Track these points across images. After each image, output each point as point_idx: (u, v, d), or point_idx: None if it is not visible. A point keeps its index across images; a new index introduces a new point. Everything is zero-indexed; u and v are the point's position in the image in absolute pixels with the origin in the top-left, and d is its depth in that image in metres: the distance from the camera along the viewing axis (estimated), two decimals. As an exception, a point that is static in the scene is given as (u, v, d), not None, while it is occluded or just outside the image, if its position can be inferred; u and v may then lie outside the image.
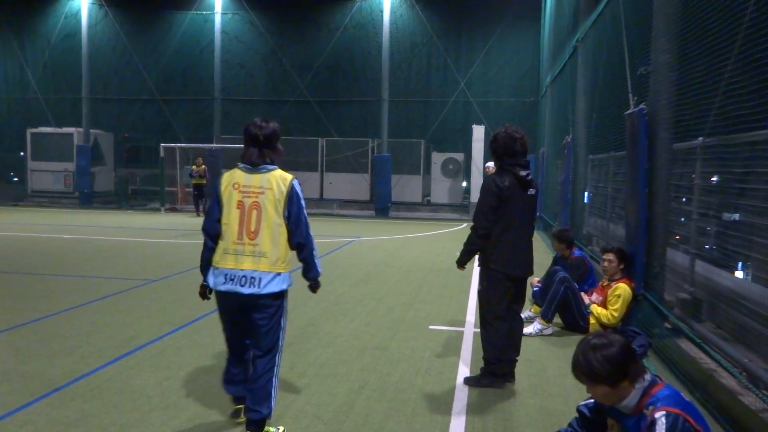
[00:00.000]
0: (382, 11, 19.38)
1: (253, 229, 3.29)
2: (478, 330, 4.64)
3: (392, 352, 5.14)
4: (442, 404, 4.06)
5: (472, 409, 4.00)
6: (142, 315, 6.24)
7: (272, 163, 3.41)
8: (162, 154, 18.55)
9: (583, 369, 2.45)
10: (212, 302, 6.26)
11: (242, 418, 3.57)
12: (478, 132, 17.39)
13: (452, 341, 5.47)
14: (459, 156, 18.75)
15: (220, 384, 3.81)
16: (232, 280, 3.29)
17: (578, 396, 4.12)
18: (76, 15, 21.12)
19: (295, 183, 3.44)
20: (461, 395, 4.21)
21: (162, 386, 4.27)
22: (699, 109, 4.71)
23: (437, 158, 18.94)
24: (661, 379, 2.52)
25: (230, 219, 3.32)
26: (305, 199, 3.54)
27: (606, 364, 2.39)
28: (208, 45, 20.54)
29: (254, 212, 3.30)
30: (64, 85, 21.42)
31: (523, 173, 4.19)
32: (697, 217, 4.88)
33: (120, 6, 21.02)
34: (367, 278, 8.44)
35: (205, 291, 3.53)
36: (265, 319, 3.36)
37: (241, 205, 3.30)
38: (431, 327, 5.93)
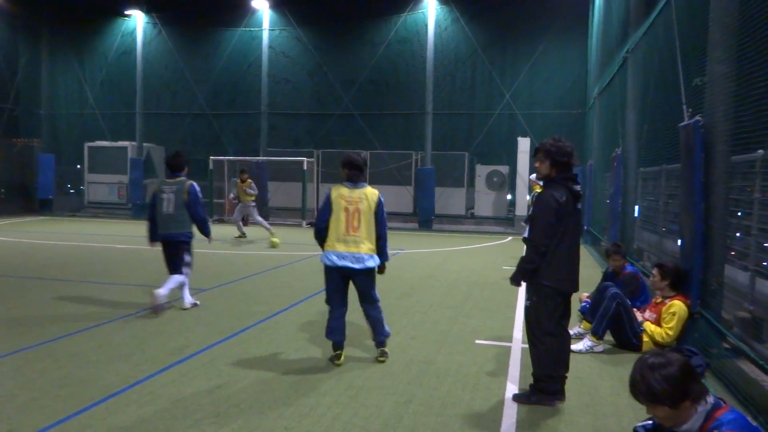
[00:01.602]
0: (426, 25, 19.48)
1: (355, 225, 4.88)
2: (526, 346, 4.57)
3: (439, 365, 5.11)
4: (490, 421, 4.01)
5: (522, 427, 3.93)
6: (192, 324, 6.39)
7: (364, 181, 5.05)
8: (211, 166, 19.04)
9: (641, 389, 2.38)
10: (258, 314, 6.38)
11: (341, 361, 5.07)
12: (524, 144, 17.21)
13: (499, 357, 5.39)
14: (504, 168, 18.58)
15: (271, 382, 3.85)
16: (344, 258, 4.89)
17: (632, 416, 4.00)
18: (132, 33, 22.00)
19: (381, 196, 5.10)
20: (510, 412, 4.14)
21: (213, 395, 4.35)
22: (759, 121, 4.55)
23: (481, 171, 18.81)
24: (725, 402, 2.43)
25: (339, 218, 4.89)
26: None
27: (666, 383, 2.32)
28: (256, 60, 21.05)
29: (356, 215, 4.90)
30: (120, 101, 22.28)
31: (577, 187, 4.14)
32: (757, 232, 4.69)
33: (173, 24, 21.79)
34: (412, 291, 8.43)
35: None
36: (367, 284, 5.08)
37: (346, 209, 4.88)
38: (478, 341, 5.87)
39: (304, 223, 18.24)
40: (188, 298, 7.08)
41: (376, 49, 20.10)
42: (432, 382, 4.71)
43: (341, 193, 4.93)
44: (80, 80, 22.76)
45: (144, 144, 21.44)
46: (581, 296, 6.04)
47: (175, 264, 6.97)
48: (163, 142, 21.88)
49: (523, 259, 4.23)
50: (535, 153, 4.29)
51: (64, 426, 3.78)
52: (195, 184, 6.94)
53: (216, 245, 13.46)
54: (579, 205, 4.22)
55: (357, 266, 4.88)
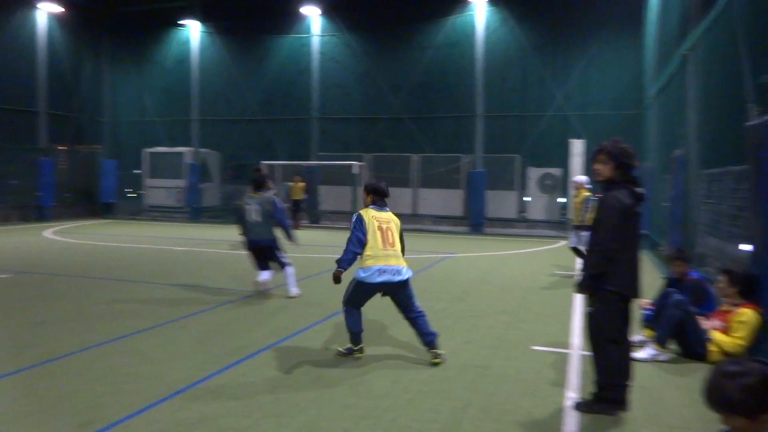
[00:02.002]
0: (474, 27, 19.36)
1: (391, 241, 5.29)
2: (586, 353, 4.47)
3: (495, 371, 5.06)
4: (550, 429, 3.94)
5: (584, 435, 3.84)
6: (250, 324, 6.53)
7: (387, 206, 5.51)
8: (264, 171, 19.43)
9: (717, 398, 2.28)
10: (313, 315, 6.42)
11: (362, 354, 5.41)
12: (577, 146, 16.85)
13: (557, 363, 5.29)
14: (556, 171, 18.24)
15: (329, 383, 3.90)
16: (385, 272, 5.15)
17: (700, 429, 3.86)
18: (188, 43, 22.74)
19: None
20: (571, 420, 4.06)
21: (273, 394, 4.44)
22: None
23: (533, 173, 18.52)
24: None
25: (376, 237, 5.23)
26: (401, 213, 4.81)
27: (744, 393, 2.22)
28: (307, 66, 21.39)
29: (389, 232, 5.33)
30: (177, 108, 23.05)
31: (640, 189, 4.04)
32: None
33: (226, 33, 22.40)
34: (464, 295, 8.37)
35: (339, 276, 5.17)
36: (408, 294, 5.35)
37: (380, 228, 5.29)
38: (534, 347, 5.78)
39: (354, 226, 18.39)
40: (294, 288, 8.09)
41: (424, 52, 20.10)
42: (489, 387, 4.66)
43: (373, 215, 5.33)
44: (139, 89, 23.66)
45: (200, 149, 22.11)
46: (642, 303, 5.86)
47: (277, 262, 8.06)
48: (218, 147, 22.48)
49: (589, 265, 4.11)
50: (595, 155, 4.20)
51: (132, 421, 3.93)
52: (276, 198, 8.05)
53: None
54: (640, 208, 4.11)
55: (396, 279, 5.15)
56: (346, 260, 5.17)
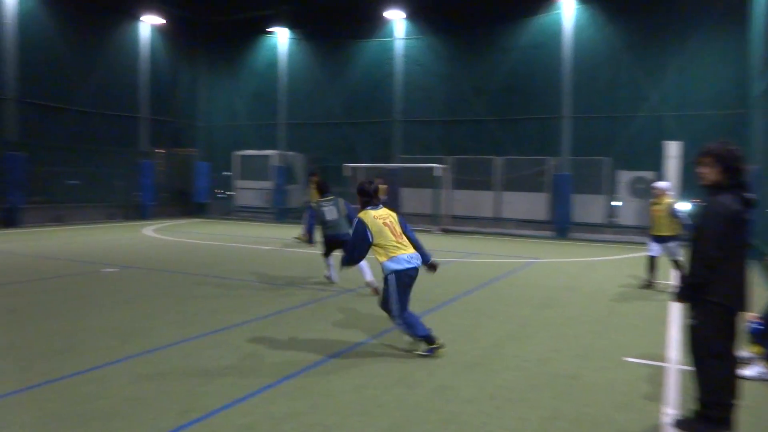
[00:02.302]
0: (561, 26, 18.79)
1: (398, 232, 5.70)
2: (685, 367, 4.22)
3: (585, 381, 4.88)
4: (647, 444, 3.75)
5: (684, 455, 3.63)
6: (338, 323, 6.67)
7: (380, 203, 5.98)
8: (346, 173, 19.80)
9: None
10: None
11: (443, 347, 5.55)
12: (672, 148, 15.93)
13: (653, 377, 5.03)
14: (649, 174, 17.34)
15: (414, 385, 3.91)
16: (411, 260, 5.60)
17: (819, 455, 3.54)
18: (276, 49, 23.58)
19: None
20: (669, 437, 3.85)
21: (359, 393, 4.51)
22: None
23: (623, 177, 17.71)
24: None
25: (384, 233, 5.62)
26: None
27: None
28: (390, 69, 21.58)
29: (393, 226, 5.71)
30: (266, 112, 23.95)
31: (750, 195, 3.76)
32: None
33: (312, 39, 23.03)
34: (550, 302, 8.14)
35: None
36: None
37: (385, 224, 5.67)
38: (626, 359, 5.52)
39: (436, 229, 18.35)
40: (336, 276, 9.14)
41: (509, 53, 19.73)
42: (579, 398, 4.51)
43: (373, 215, 5.72)
44: (231, 94, 24.78)
45: (286, 152, 22.84)
46: (749, 316, 5.45)
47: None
48: (303, 150, 23.13)
49: (690, 273, 3.89)
50: (700, 157, 3.95)
51: (227, 412, 4.12)
52: (345, 201, 9.13)
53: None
54: (750, 215, 3.83)
55: (419, 263, 5.68)
56: (347, 261, 5.77)
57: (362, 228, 5.62)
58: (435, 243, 15.52)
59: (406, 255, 5.57)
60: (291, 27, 23.21)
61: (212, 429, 3.84)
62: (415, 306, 7.54)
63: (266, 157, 22.75)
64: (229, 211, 23.67)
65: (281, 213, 22.04)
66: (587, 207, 18.20)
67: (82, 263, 10.80)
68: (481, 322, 6.88)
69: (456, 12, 20.35)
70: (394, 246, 5.57)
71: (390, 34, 21.66)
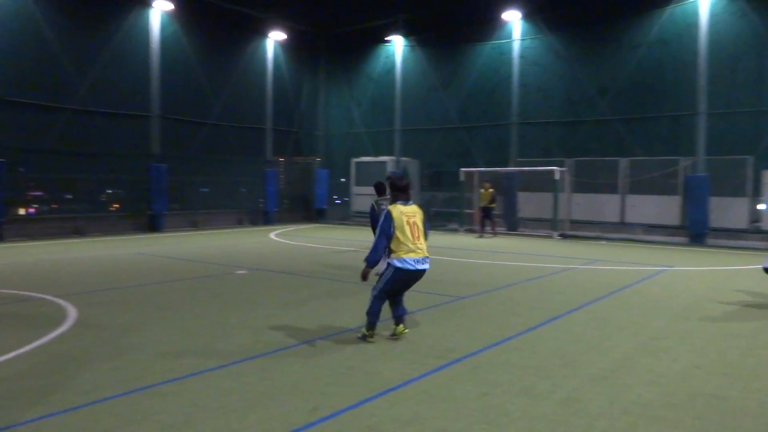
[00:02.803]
0: (697, 16, 17.40)
1: (417, 235, 5.88)
2: None
3: (734, 403, 4.45)
4: (812, 477, 3.34)
5: None
6: (455, 329, 6.63)
7: (410, 199, 6.07)
8: (462, 178, 19.68)
9: None
10: (518, 325, 6.26)
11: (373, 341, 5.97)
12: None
13: (815, 401, 4.48)
14: (800, 174, 15.54)
15: (539, 396, 3.77)
16: (421, 262, 5.87)
17: None
18: (392, 57, 24.03)
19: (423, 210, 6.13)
20: (840, 471, 3.40)
21: (482, 401, 4.44)
22: None
23: (769, 178, 16.02)
24: None
25: (405, 231, 5.79)
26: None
27: None
28: (507, 71, 21.17)
29: (416, 226, 5.89)
30: (382, 119, 24.49)
31: None
32: None
33: (427, 45, 23.19)
34: (687, 313, 7.53)
35: (368, 274, 5.96)
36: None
37: (408, 223, 5.83)
38: (782, 379, 4.97)
39: (555, 234, 17.69)
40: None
41: (635, 50, 18.61)
42: (726, 421, 4.11)
43: (402, 210, 5.85)
44: (349, 103, 25.59)
45: (401, 158, 23.16)
46: None
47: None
48: (418, 155, 23.33)
49: None
50: None
51: (353, 411, 4.22)
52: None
53: (472, 254, 13.83)
54: None
55: (426, 268, 5.96)
56: (374, 260, 5.87)
57: (387, 221, 5.77)
58: (554, 249, 14.95)
59: (415, 258, 5.80)
60: (406, 35, 23.55)
61: (339, 428, 3.96)
62: (534, 314, 7.33)
63: (382, 163, 23.19)
64: (346, 216, 24.41)
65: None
66: (727, 211, 16.67)
67: (216, 265, 11.64)
68: (608, 333, 6.52)
69: (576, 9, 19.59)
70: (408, 247, 5.78)
71: (507, 36, 21.27)
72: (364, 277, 5.94)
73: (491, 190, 18.05)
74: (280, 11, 22.94)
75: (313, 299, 8.30)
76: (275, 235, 18.44)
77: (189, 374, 4.97)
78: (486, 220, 18.09)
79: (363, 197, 23.78)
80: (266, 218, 22.99)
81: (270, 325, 6.70)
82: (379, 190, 9.99)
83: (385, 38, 24.01)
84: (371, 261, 5.88)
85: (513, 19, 20.95)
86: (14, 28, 16.56)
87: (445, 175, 22.82)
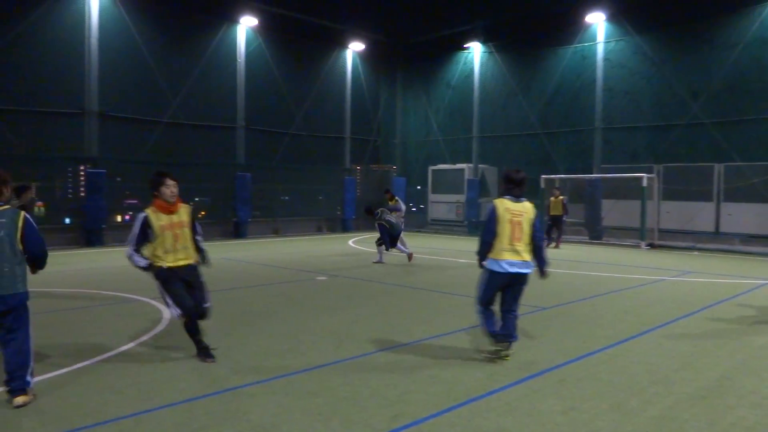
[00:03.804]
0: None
1: (518, 236, 5.45)
2: None
3: None
4: None
5: None
6: (538, 341, 6.46)
7: (524, 197, 5.59)
8: (542, 185, 19.20)
9: None
10: (605, 338, 6.03)
11: (508, 352, 5.64)
12: None
13: None
14: None
15: (630, 413, 3.61)
16: (514, 265, 5.45)
17: None
18: (470, 63, 23.87)
19: (536, 211, 5.67)
20: None
21: (568, 416, 4.30)
22: None
23: None
24: None
25: (505, 229, 5.44)
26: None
27: None
28: (590, 75, 20.51)
29: (519, 226, 5.45)
30: (459, 126, 24.35)
31: None
32: None
33: (506, 51, 22.85)
34: (795, 331, 6.96)
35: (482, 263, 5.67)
36: (521, 289, 5.65)
37: (511, 222, 5.44)
38: None
39: (643, 244, 16.88)
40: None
41: (732, 48, 17.50)
42: (844, 449, 3.76)
43: (507, 207, 5.48)
44: (426, 110, 25.64)
45: (479, 165, 22.92)
46: None
47: (400, 243, 12.98)
48: (496, 162, 23.00)
49: None
50: None
51: (435, 420, 4.20)
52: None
53: (551, 263, 13.43)
54: None
55: (524, 271, 5.50)
56: (482, 252, 5.57)
57: (491, 217, 5.49)
58: (642, 259, 14.27)
59: (509, 260, 5.45)
60: (485, 41, 23.33)
61: (422, 436, 3.95)
62: (622, 327, 7.02)
63: (459, 170, 23.05)
64: (423, 224, 24.41)
65: (473, 226, 22.11)
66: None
67: (297, 271, 11.96)
68: (704, 350, 6.13)
69: (665, 9, 18.69)
70: (504, 248, 5.44)
71: (590, 39, 20.62)
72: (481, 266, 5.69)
73: (561, 198, 17.38)
74: (359, 23, 23.37)
75: (393, 307, 8.35)
76: (353, 242, 18.70)
77: (274, 377, 5.13)
78: (554, 230, 17.22)
79: (440, 205, 23.73)
80: (344, 225, 23.39)
81: (351, 332, 6.80)
82: (389, 196, 13.72)
83: (463, 45, 23.89)
84: (480, 253, 5.64)
85: (597, 21, 20.28)
86: (116, 48, 17.82)
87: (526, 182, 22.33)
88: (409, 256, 13.00)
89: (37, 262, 4.61)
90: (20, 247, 4.41)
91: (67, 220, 17.20)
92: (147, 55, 18.37)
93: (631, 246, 17.24)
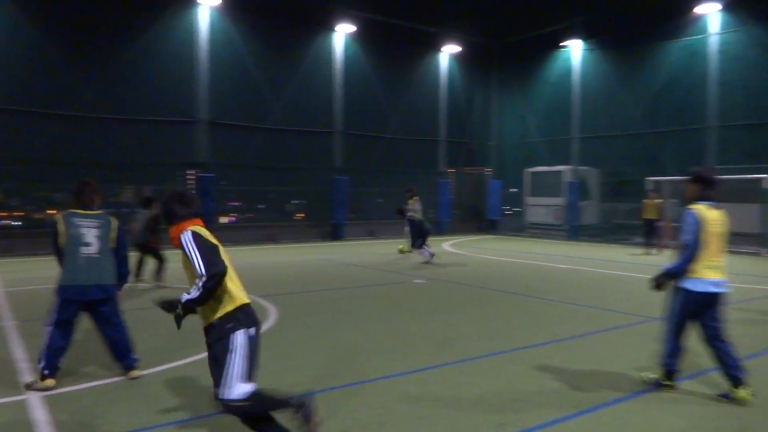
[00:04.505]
0: None
1: (722, 249, 4.67)
2: None
3: None
4: None
5: None
6: (652, 352, 6.09)
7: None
8: (649, 187, 18.15)
9: None
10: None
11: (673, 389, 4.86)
12: None
13: None
14: None
15: None
16: (718, 285, 4.62)
17: None
18: (569, 62, 23.01)
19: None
20: None
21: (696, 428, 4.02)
22: None
23: None
24: None
25: (709, 242, 4.56)
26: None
27: None
28: (701, 69, 19.13)
29: (720, 238, 4.66)
30: (558, 127, 23.53)
31: None
32: None
33: (609, 47, 21.75)
34: None
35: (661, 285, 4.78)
36: (720, 311, 4.72)
37: (714, 233, 4.60)
38: None
39: (765, 251, 15.51)
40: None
41: None
42: None
43: (711, 216, 4.62)
44: (523, 112, 25.02)
45: (579, 167, 22.06)
46: None
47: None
48: (598, 164, 22.04)
49: None
50: None
51: (545, 431, 4.07)
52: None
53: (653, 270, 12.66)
54: None
55: (723, 291, 4.71)
56: (683, 269, 4.61)
57: (696, 228, 4.52)
58: (763, 267, 13.12)
59: (714, 279, 4.60)
60: (585, 38, 22.43)
61: (530, 446, 3.84)
62: (745, 342, 6.46)
63: (558, 172, 22.31)
64: (519, 227, 23.85)
65: (573, 230, 21.32)
66: None
67: (394, 273, 12.06)
68: None
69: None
70: (709, 264, 4.59)
71: (702, 31, 19.26)
72: (658, 286, 4.80)
73: (658, 200, 16.29)
74: (454, 25, 23.24)
75: (493, 312, 8.22)
76: (449, 246, 18.61)
77: (377, 378, 5.19)
78: (651, 236, 16.23)
79: (537, 208, 23.07)
80: (439, 228, 23.33)
81: (451, 336, 6.75)
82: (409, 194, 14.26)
83: (562, 43, 23.10)
84: (673, 271, 4.71)
85: (709, 11, 18.91)
86: (223, 59, 18.84)
87: (628, 184, 21.26)
88: (428, 260, 13.53)
89: (123, 261, 5.30)
90: (113, 245, 5.17)
91: (179, 222, 18.41)
92: (251, 64, 19.28)
93: (750, 253, 15.89)
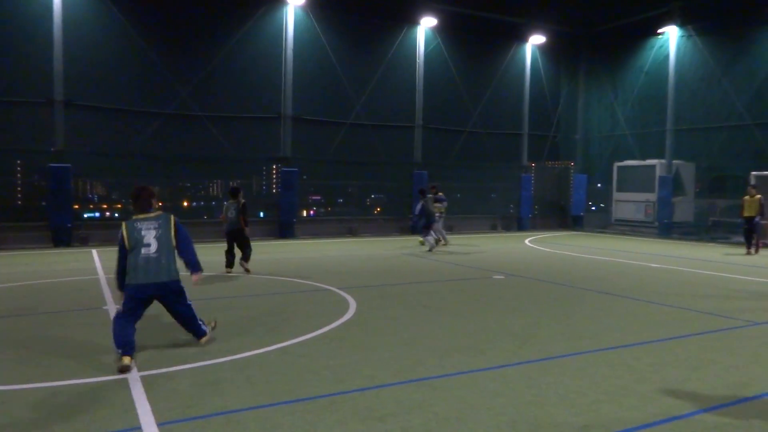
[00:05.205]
0: None
1: None
2: None
3: None
4: None
5: None
6: (751, 360, 5.70)
7: None
8: (752, 182, 16.89)
9: None
10: None
11: None
12: None
13: None
14: None
15: None
16: None
17: None
18: (664, 50, 21.74)
19: None
20: None
21: (796, 449, 3.72)
22: None
23: None
24: None
25: None
26: None
27: None
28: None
29: None
30: (650, 119, 22.33)
31: None
32: None
33: (709, 34, 20.42)
34: None
35: None
36: None
37: None
38: None
39: None
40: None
41: None
42: None
43: None
44: (612, 103, 23.94)
45: (673, 161, 20.86)
46: None
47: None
48: (694, 157, 20.76)
49: None
50: None
51: (630, 436, 3.91)
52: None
53: (759, 272, 11.82)
54: None
55: None
56: None
57: None
58: None
59: None
60: (682, 24, 21.12)
61: (616, 450, 3.70)
62: None
63: (650, 167, 21.22)
64: (605, 224, 22.92)
65: (665, 227, 20.21)
66: None
67: (473, 269, 11.94)
68: None
69: None
70: None
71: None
72: None
73: (758, 197, 15.11)
74: (540, 14, 22.59)
75: (574, 309, 7.96)
76: (530, 242, 18.19)
77: (457, 372, 5.17)
78: (752, 234, 15.19)
79: (626, 204, 22.06)
80: (520, 224, 22.85)
81: (532, 333, 6.61)
82: (422, 193, 15.62)
83: (657, 30, 21.85)
84: None
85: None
86: (308, 56, 19.33)
87: (729, 179, 19.90)
88: (432, 247, 15.00)
89: (189, 251, 5.81)
90: (174, 243, 5.68)
91: (261, 214, 19.14)
92: (334, 60, 19.65)
93: None
